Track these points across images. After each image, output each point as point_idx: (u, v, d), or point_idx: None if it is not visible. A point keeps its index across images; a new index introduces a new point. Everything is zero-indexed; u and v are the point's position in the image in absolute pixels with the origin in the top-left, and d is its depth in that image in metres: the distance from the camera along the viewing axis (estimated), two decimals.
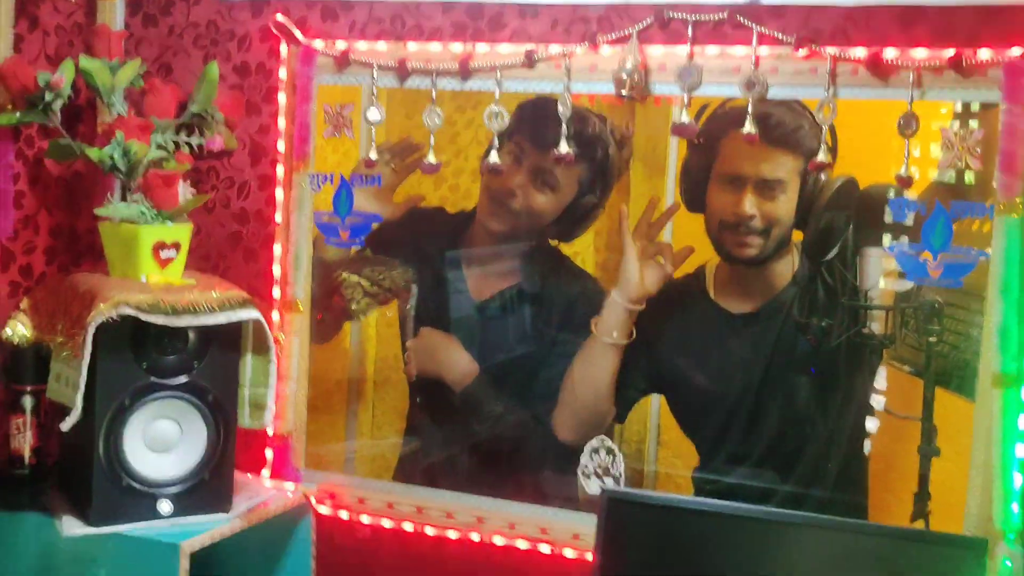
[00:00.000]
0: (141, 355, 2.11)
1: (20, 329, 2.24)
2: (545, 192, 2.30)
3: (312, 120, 2.42)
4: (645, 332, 2.25)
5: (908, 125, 2.00)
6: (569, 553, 2.29)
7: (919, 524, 2.06)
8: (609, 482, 2.27)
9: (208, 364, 2.18)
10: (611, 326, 2.25)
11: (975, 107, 1.98)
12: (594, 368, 2.28)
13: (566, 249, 2.30)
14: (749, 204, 2.13)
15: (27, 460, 2.28)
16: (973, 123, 1.98)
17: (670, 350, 2.24)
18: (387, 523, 2.45)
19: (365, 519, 2.47)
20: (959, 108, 1.99)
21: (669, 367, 2.25)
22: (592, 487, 2.28)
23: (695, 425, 2.24)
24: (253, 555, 2.43)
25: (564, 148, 2.21)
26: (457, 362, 2.40)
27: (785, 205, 2.12)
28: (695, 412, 2.24)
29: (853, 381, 2.10)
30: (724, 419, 2.21)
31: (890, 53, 2.00)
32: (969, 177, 1.99)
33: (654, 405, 2.26)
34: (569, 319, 2.31)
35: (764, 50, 2.08)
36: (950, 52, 1.95)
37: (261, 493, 2.35)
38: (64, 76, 2.24)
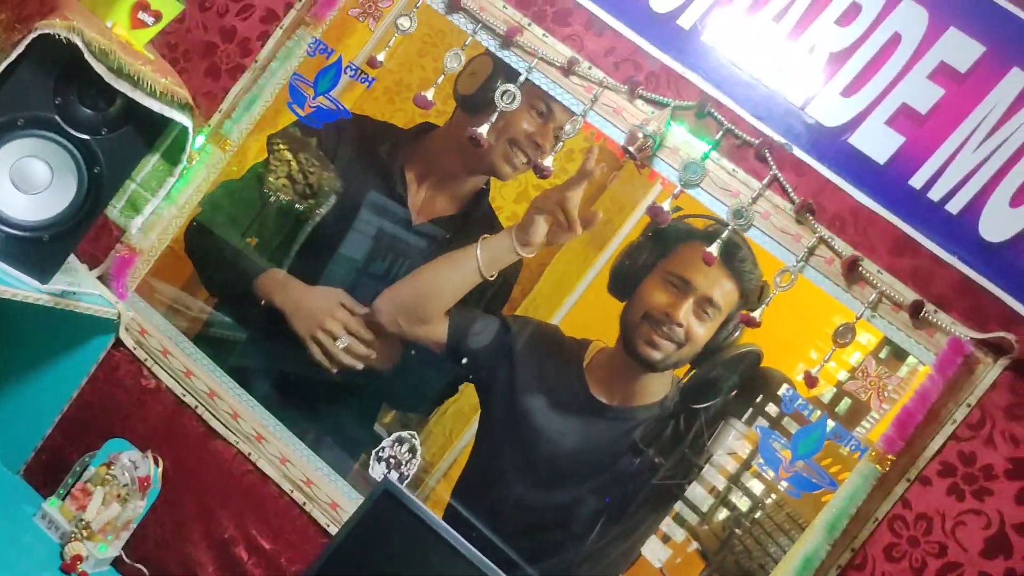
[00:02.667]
0: (61, 89, 2.22)
1: None
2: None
3: None
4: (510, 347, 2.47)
5: (844, 335, 2.24)
6: (319, 516, 2.48)
7: None
8: (394, 476, 2.48)
9: (116, 139, 2.29)
10: (492, 251, 2.48)
11: (908, 358, 2.23)
12: (454, 272, 2.50)
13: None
14: (684, 312, 2.35)
15: None
16: (896, 369, 2.23)
17: (520, 386, 2.46)
18: (175, 388, 2.62)
19: (158, 371, 2.63)
20: (888, 351, 2.24)
21: (508, 399, 2.46)
22: (376, 471, 2.48)
23: (493, 471, 2.45)
24: (43, 335, 2.56)
25: (549, 161, 2.42)
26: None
27: (706, 332, 2.36)
28: (502, 456, 2.46)
29: (643, 525, 2.33)
30: (522, 480, 2.43)
31: (868, 266, 2.24)
32: (861, 412, 2.24)
33: (464, 439, 2.48)
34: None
35: (769, 193, 2.33)
36: (915, 297, 2.20)
37: (84, 286, 2.47)
38: None
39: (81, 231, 2.35)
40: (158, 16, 2.34)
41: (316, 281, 2.59)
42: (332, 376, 2.54)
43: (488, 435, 2.45)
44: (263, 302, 2.61)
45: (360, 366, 2.53)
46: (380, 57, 2.55)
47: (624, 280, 2.42)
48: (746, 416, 2.31)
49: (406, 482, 2.47)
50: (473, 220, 2.55)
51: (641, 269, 2.40)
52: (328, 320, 2.54)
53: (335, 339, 2.54)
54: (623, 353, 2.41)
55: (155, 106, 2.26)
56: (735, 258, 2.33)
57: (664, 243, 2.39)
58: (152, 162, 2.42)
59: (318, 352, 2.53)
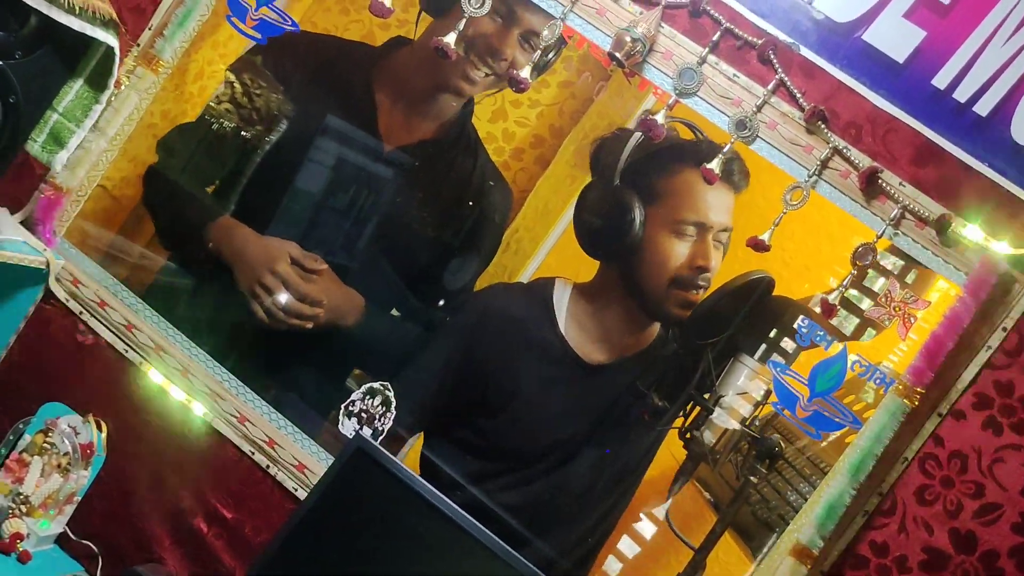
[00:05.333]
0: None
1: None
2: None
3: None
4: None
5: (864, 257, 2.24)
6: (286, 480, 2.50)
7: None
8: (367, 432, 2.48)
9: (32, 63, 2.26)
10: None
11: (936, 280, 2.24)
12: None
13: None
14: (714, 254, 2.36)
15: None
16: (923, 292, 2.24)
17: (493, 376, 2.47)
18: (116, 344, 2.61)
19: (95, 325, 2.62)
20: (914, 272, 2.25)
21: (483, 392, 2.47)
22: (347, 428, 2.49)
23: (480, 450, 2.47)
24: None
25: (526, 73, 2.40)
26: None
27: (721, 259, 2.37)
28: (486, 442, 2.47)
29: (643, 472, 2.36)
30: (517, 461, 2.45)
31: (889, 178, 2.24)
32: (885, 342, 2.25)
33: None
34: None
35: (776, 100, 2.31)
36: (942, 211, 2.20)
37: (5, 232, 2.46)
38: None
39: (0, 169, 2.32)
40: None
41: (270, 220, 2.57)
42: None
43: (463, 387, 2.46)
44: (210, 249, 2.59)
45: (308, 325, 2.52)
46: None
47: (604, 241, 2.42)
48: (758, 352, 2.32)
49: (381, 438, 2.47)
50: (454, 146, 2.53)
51: (635, 224, 2.38)
52: (267, 275, 2.53)
53: (273, 295, 2.52)
54: (631, 311, 2.41)
55: (75, 24, 2.23)
56: (731, 171, 2.34)
57: (645, 185, 2.38)
58: (75, 88, 2.40)
59: (258, 309, 2.53)
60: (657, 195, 2.37)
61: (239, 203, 2.62)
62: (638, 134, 2.37)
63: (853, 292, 2.27)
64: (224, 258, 2.59)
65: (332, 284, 2.54)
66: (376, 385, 2.49)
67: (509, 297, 2.45)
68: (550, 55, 2.46)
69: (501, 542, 2.19)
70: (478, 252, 2.50)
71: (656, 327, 2.41)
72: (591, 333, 2.42)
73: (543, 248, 2.45)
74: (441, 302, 2.51)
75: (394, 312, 2.58)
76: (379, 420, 2.48)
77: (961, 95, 2.23)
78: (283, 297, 2.54)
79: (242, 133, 2.62)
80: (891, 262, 2.25)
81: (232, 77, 2.63)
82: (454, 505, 2.22)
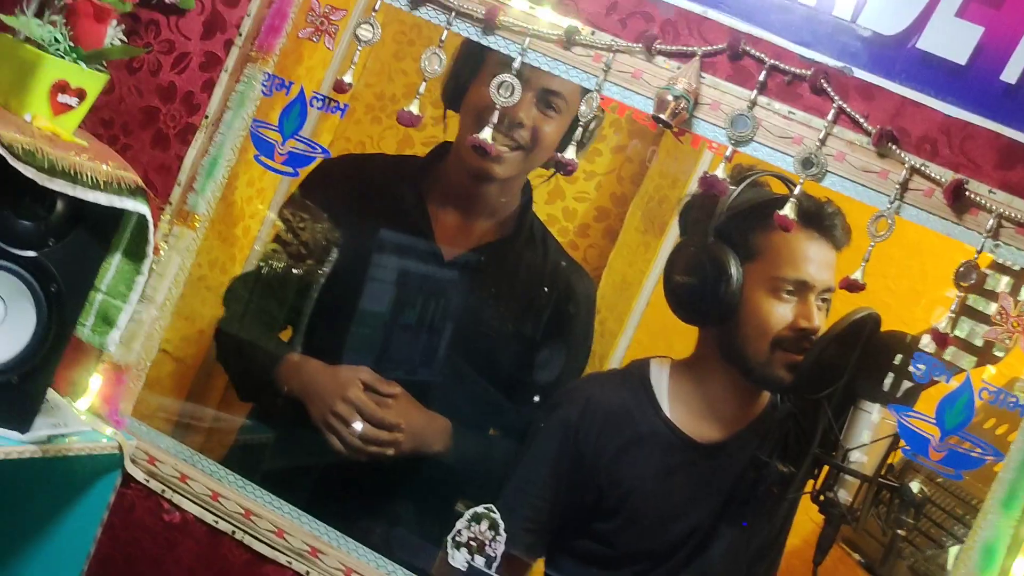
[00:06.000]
0: None
1: None
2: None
3: (292, 11, 2.55)
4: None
5: (968, 276, 2.15)
6: None
7: None
8: (480, 562, 2.42)
9: (67, 247, 2.26)
10: None
11: None
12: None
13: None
14: (817, 315, 2.29)
15: None
16: None
17: (607, 465, 2.40)
18: (205, 517, 2.57)
19: (180, 501, 2.59)
20: None
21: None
22: (458, 560, 2.43)
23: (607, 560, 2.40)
24: (36, 492, 2.51)
25: (571, 154, 2.36)
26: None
27: (823, 318, 2.31)
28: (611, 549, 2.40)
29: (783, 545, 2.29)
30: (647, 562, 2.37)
31: (977, 187, 2.16)
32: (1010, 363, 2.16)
33: None
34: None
35: (838, 129, 2.25)
36: None
37: (70, 425, 2.44)
38: None
39: (53, 362, 2.32)
40: (82, 94, 2.31)
41: (342, 350, 2.55)
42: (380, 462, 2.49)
43: (575, 491, 2.39)
44: (284, 391, 2.57)
45: (389, 452, 2.48)
46: (347, 78, 2.49)
47: (710, 305, 2.34)
48: (879, 396, 2.25)
49: (496, 564, 2.41)
50: (517, 239, 2.50)
51: (731, 286, 2.31)
52: (338, 403, 2.49)
53: (348, 425, 2.48)
54: (735, 380, 2.35)
55: (102, 199, 2.23)
56: (824, 218, 2.29)
57: (740, 241, 2.32)
58: (115, 264, 2.38)
59: (335, 442, 2.50)
60: (754, 252, 2.33)
61: (307, 339, 2.60)
62: (733, 188, 2.32)
63: (965, 317, 2.18)
64: (297, 397, 2.55)
65: (411, 409, 2.51)
66: (480, 509, 2.43)
67: (605, 387, 2.41)
68: (591, 125, 2.41)
69: None
70: (564, 340, 2.46)
71: (767, 393, 2.33)
72: (699, 411, 2.37)
73: (629, 325, 2.40)
74: (536, 398, 2.45)
75: (492, 432, 2.52)
76: (489, 546, 2.42)
77: None
78: (358, 425, 2.50)
79: (293, 271, 2.60)
80: (1005, 283, 2.17)
81: (271, 217, 2.61)
82: None
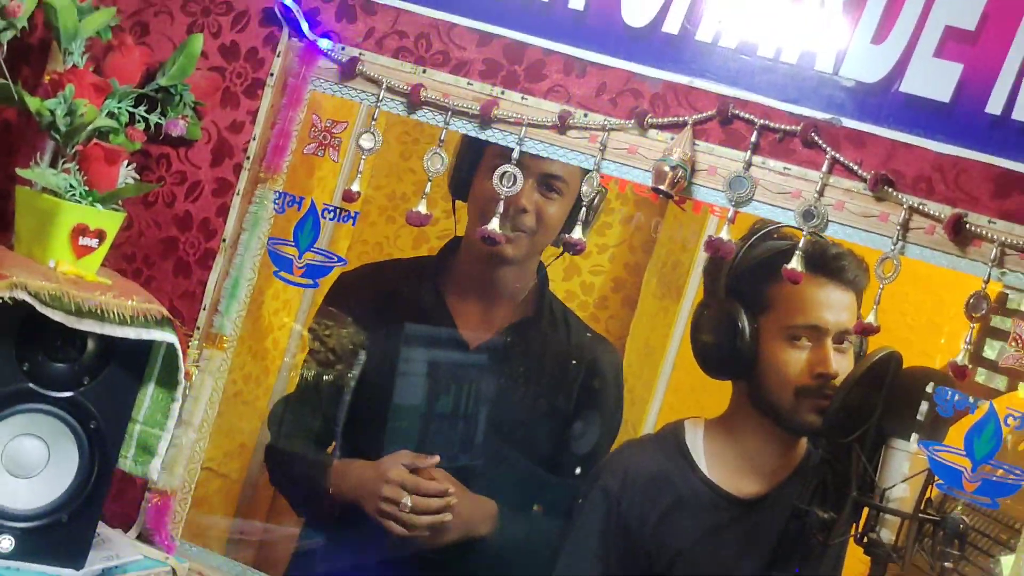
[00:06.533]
0: (25, 353, 2.24)
1: None
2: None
3: (295, 129, 2.61)
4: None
5: (978, 306, 2.17)
6: None
7: None
8: None
9: (101, 384, 2.30)
10: None
11: None
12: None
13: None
14: (834, 360, 2.32)
15: None
16: None
17: (654, 531, 2.42)
18: None
19: None
20: None
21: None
22: None
23: None
24: None
25: (579, 234, 2.41)
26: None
27: (850, 360, 2.32)
28: None
29: None
30: None
31: (976, 219, 2.18)
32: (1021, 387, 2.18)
33: None
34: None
35: (834, 179, 2.28)
36: None
37: (123, 555, 2.46)
38: (24, 4, 2.38)
39: (99, 497, 2.35)
40: (101, 235, 2.36)
41: (382, 446, 2.59)
42: (429, 548, 2.51)
43: (625, 560, 2.42)
44: (336, 498, 2.60)
45: (447, 518, 2.50)
46: (355, 187, 2.55)
47: (730, 359, 2.38)
48: (900, 431, 2.26)
49: None
50: (539, 318, 2.53)
51: (748, 338, 2.36)
52: (384, 487, 2.52)
53: (399, 503, 2.51)
54: (769, 431, 2.37)
55: (130, 333, 2.26)
56: (833, 262, 2.31)
57: (752, 295, 2.36)
58: (149, 394, 2.42)
59: (392, 525, 2.51)
60: (767, 304, 2.36)
61: (347, 442, 2.63)
62: (741, 244, 2.35)
63: (992, 339, 2.20)
64: (349, 499, 2.57)
65: (458, 490, 2.52)
66: None
67: (643, 453, 2.43)
68: (595, 202, 2.46)
69: None
70: (598, 409, 2.48)
71: (804, 441, 2.34)
72: (738, 467, 2.39)
73: (658, 390, 2.43)
74: (578, 470, 2.48)
75: (536, 508, 2.54)
76: None
77: (1021, 114, 2.18)
78: (407, 500, 2.52)
79: (325, 378, 2.64)
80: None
81: (297, 328, 2.66)
82: None
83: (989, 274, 2.17)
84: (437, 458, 2.53)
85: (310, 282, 2.63)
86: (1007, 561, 2.15)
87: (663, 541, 2.41)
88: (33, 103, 2.35)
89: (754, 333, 2.34)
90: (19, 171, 2.35)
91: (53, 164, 2.40)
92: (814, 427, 2.33)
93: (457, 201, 2.66)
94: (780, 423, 2.36)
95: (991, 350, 2.21)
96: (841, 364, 2.32)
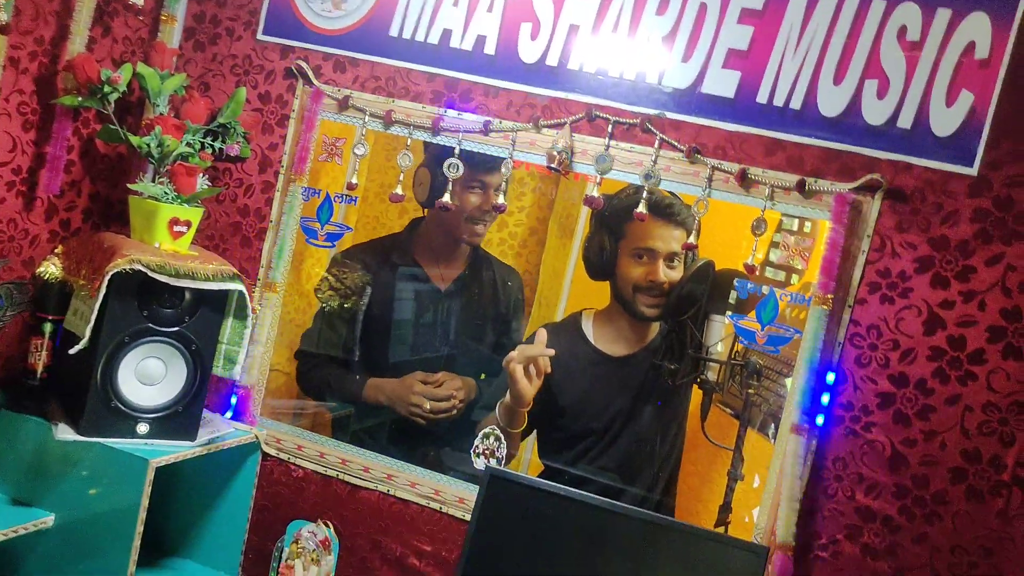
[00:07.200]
0: (144, 304, 2.17)
1: (52, 268, 2.30)
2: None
3: (312, 146, 2.52)
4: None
5: (759, 227, 2.16)
6: (455, 512, 2.41)
7: (721, 530, 2.20)
8: (493, 463, 2.39)
9: (197, 320, 2.24)
10: (505, 421, 2.40)
11: (808, 223, 2.14)
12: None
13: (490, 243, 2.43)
14: (662, 272, 2.27)
15: (39, 374, 2.32)
16: (806, 234, 2.14)
17: (558, 387, 2.37)
18: (317, 468, 2.53)
19: (300, 462, 2.55)
20: (795, 223, 2.15)
21: (555, 400, 2.37)
22: (479, 464, 2.40)
23: (565, 442, 2.37)
24: (209, 478, 2.49)
25: (502, 200, 2.34)
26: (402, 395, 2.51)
27: (680, 272, 2.27)
28: (569, 432, 2.37)
29: (686, 413, 2.26)
30: (593, 436, 2.34)
31: (754, 171, 2.15)
32: (793, 276, 2.15)
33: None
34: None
35: (663, 152, 2.23)
36: (797, 178, 2.11)
37: (222, 429, 2.41)
38: (122, 75, 2.30)
39: (202, 393, 2.29)
40: (188, 224, 2.30)
41: (388, 346, 2.51)
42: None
43: (543, 400, 2.37)
44: (372, 403, 2.52)
45: (453, 412, 2.45)
46: (354, 180, 2.48)
47: (600, 269, 2.33)
48: (717, 309, 2.22)
49: (503, 462, 2.37)
50: (479, 264, 2.46)
51: (609, 256, 2.30)
52: (412, 397, 2.47)
53: (423, 408, 2.46)
54: (626, 316, 2.31)
55: (213, 286, 2.21)
56: (666, 210, 2.25)
57: (615, 229, 2.30)
58: (229, 324, 2.35)
59: (419, 420, 2.46)
60: (623, 234, 2.29)
61: (365, 346, 2.54)
62: (616, 197, 2.29)
63: (771, 252, 2.17)
64: (382, 403, 2.51)
65: (459, 381, 2.46)
66: (486, 429, 2.40)
67: (555, 332, 2.36)
68: (507, 177, 2.37)
69: (617, 502, 2.13)
70: (522, 311, 2.41)
71: (655, 325, 2.30)
72: (612, 338, 2.33)
73: (563, 297, 2.38)
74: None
75: (482, 376, 2.48)
76: (498, 451, 2.39)
77: (779, 101, 2.15)
78: (427, 405, 2.46)
79: (345, 305, 2.56)
80: (788, 227, 2.15)
81: (325, 273, 2.57)
82: (576, 490, 2.15)
83: (765, 206, 2.15)
84: (441, 375, 2.46)
85: (329, 244, 2.55)
86: (788, 382, 2.13)
87: (565, 386, 2.36)
88: (135, 140, 2.30)
89: (614, 251, 2.28)
90: (130, 185, 2.29)
91: (153, 180, 2.34)
92: (651, 316, 2.28)
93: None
94: (627, 310, 2.31)
95: (773, 255, 2.17)
96: (671, 275, 2.26)
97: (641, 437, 2.29)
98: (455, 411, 2.45)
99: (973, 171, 2.00)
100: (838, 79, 2.09)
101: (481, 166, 2.39)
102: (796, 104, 2.12)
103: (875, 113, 2.06)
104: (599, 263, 2.32)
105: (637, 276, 2.28)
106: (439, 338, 2.51)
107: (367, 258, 2.53)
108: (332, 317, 2.56)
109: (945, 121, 2.02)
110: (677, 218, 2.24)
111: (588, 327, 2.35)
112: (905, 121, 2.05)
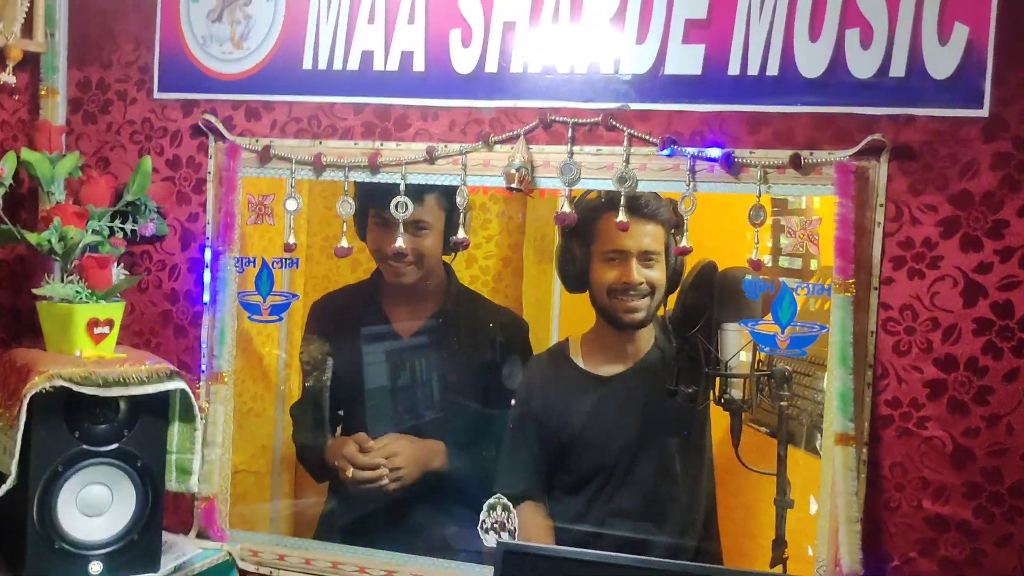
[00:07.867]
0: (74, 424, 2.19)
1: None
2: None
3: (237, 209, 2.55)
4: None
5: (757, 216, 2.20)
6: None
7: (778, 569, 2.23)
8: (504, 536, 2.43)
9: (138, 431, 2.26)
10: None
11: (814, 201, 2.19)
12: None
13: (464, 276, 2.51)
14: (636, 272, 2.32)
15: None
16: (811, 214, 2.19)
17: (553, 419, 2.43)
18: None
19: (285, 575, 2.57)
20: (797, 204, 2.21)
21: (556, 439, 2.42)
22: (490, 541, 2.43)
23: (577, 484, 2.41)
24: None
25: (462, 234, 2.39)
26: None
27: (661, 272, 2.33)
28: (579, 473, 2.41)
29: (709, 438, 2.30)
30: (604, 472, 2.38)
31: (740, 153, 2.20)
32: (812, 262, 2.20)
33: None
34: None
35: (634, 149, 2.28)
36: (789, 153, 2.16)
37: (188, 552, 2.42)
38: (5, 167, 2.33)
39: (158, 515, 2.32)
40: (110, 323, 2.33)
41: (366, 419, 2.56)
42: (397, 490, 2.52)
43: (546, 445, 2.43)
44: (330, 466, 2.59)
45: (383, 482, 2.51)
46: (291, 240, 2.51)
47: (575, 279, 2.39)
48: (729, 316, 2.27)
49: (516, 533, 2.42)
50: (455, 303, 2.50)
51: (581, 263, 2.37)
52: (337, 461, 2.56)
53: (345, 474, 2.54)
54: (611, 329, 2.37)
55: (150, 389, 2.23)
56: (640, 208, 2.30)
57: (584, 233, 2.36)
58: (176, 429, 2.37)
59: (347, 486, 2.54)
60: (593, 238, 2.36)
61: (348, 422, 2.60)
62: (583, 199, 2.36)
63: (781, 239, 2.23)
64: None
65: (406, 444, 2.52)
66: (491, 500, 2.44)
67: (540, 364, 2.44)
68: (464, 207, 2.43)
69: (649, 558, 2.17)
70: (518, 353, 2.46)
71: (644, 335, 2.36)
72: (602, 357, 2.40)
73: (553, 327, 2.43)
74: (512, 401, 2.46)
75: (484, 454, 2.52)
76: (508, 522, 2.43)
77: (752, 70, 2.21)
78: (349, 472, 2.53)
79: (307, 384, 2.61)
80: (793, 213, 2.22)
81: (276, 353, 2.62)
82: (598, 552, 2.18)
83: (759, 190, 2.20)
84: (372, 442, 2.53)
85: (276, 318, 2.60)
86: (825, 378, 2.15)
87: (562, 421, 2.42)
88: (32, 237, 2.32)
89: (586, 257, 2.36)
90: (35, 291, 2.32)
91: (61, 279, 2.36)
92: (631, 321, 2.35)
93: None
94: (608, 321, 2.37)
95: (783, 242, 2.22)
96: (649, 275, 2.33)
97: (658, 469, 2.33)
98: (389, 482, 2.48)
99: (984, 112, 2.06)
100: (814, 35, 2.15)
101: (378, 197, 2.44)
102: (773, 70, 2.18)
103: (863, 66, 2.12)
104: (573, 272, 2.39)
105: (611, 279, 2.35)
106: (423, 400, 2.56)
107: (330, 316, 2.58)
108: (305, 395, 2.61)
109: (942, 61, 2.08)
110: (647, 211, 2.30)
111: (576, 352, 2.41)
112: (898, 69, 2.11)
